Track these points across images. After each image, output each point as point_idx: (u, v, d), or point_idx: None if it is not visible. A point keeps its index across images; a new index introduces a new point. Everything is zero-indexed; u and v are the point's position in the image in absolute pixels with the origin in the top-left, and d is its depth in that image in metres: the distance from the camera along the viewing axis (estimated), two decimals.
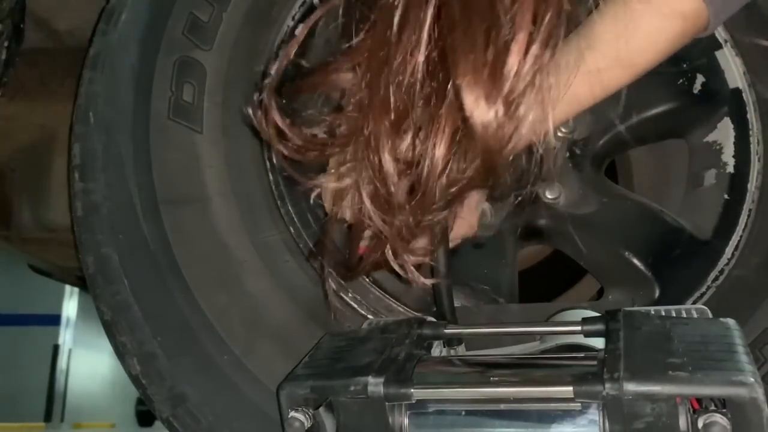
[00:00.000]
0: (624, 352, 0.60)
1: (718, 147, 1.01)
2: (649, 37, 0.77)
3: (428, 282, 0.80)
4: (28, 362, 8.03)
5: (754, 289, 0.89)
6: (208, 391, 0.88)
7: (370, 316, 0.93)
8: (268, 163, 0.97)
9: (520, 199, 1.03)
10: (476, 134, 0.65)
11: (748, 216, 0.93)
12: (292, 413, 0.64)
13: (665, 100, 1.11)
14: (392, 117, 0.69)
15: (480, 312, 1.01)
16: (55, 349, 8.28)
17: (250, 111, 0.73)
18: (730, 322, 0.65)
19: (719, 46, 1.03)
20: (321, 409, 0.65)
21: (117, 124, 0.94)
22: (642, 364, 0.58)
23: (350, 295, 0.94)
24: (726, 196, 0.99)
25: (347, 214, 0.81)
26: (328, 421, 0.65)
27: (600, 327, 0.69)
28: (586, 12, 0.77)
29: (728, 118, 1.01)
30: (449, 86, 0.66)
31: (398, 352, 0.67)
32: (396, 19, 0.67)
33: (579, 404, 0.60)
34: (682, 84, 1.10)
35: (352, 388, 0.63)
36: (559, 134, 1.04)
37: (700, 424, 0.55)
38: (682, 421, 0.57)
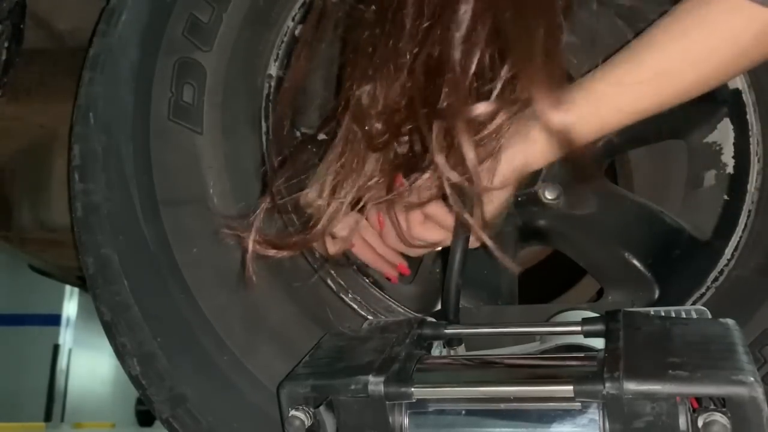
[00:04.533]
0: (624, 352, 0.60)
1: (717, 148, 1.01)
2: (724, 32, 0.72)
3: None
4: (28, 362, 8.04)
5: (754, 290, 0.89)
6: (208, 392, 0.88)
7: (369, 317, 0.93)
8: (268, 164, 0.97)
9: (519, 199, 1.04)
10: None
11: (748, 217, 0.93)
12: (293, 412, 0.64)
13: None
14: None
15: (480, 313, 1.01)
16: (56, 349, 8.29)
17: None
18: (730, 322, 0.65)
19: None
20: (321, 408, 0.65)
21: (117, 125, 0.94)
22: (642, 364, 0.59)
23: (350, 295, 0.94)
24: (726, 197, 0.98)
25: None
26: (329, 420, 0.66)
27: (600, 327, 0.69)
28: None
29: (728, 119, 1.01)
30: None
31: (398, 352, 0.67)
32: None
33: (579, 404, 0.61)
34: None
35: (352, 387, 0.63)
36: None
37: (699, 423, 0.55)
38: (682, 421, 0.57)
